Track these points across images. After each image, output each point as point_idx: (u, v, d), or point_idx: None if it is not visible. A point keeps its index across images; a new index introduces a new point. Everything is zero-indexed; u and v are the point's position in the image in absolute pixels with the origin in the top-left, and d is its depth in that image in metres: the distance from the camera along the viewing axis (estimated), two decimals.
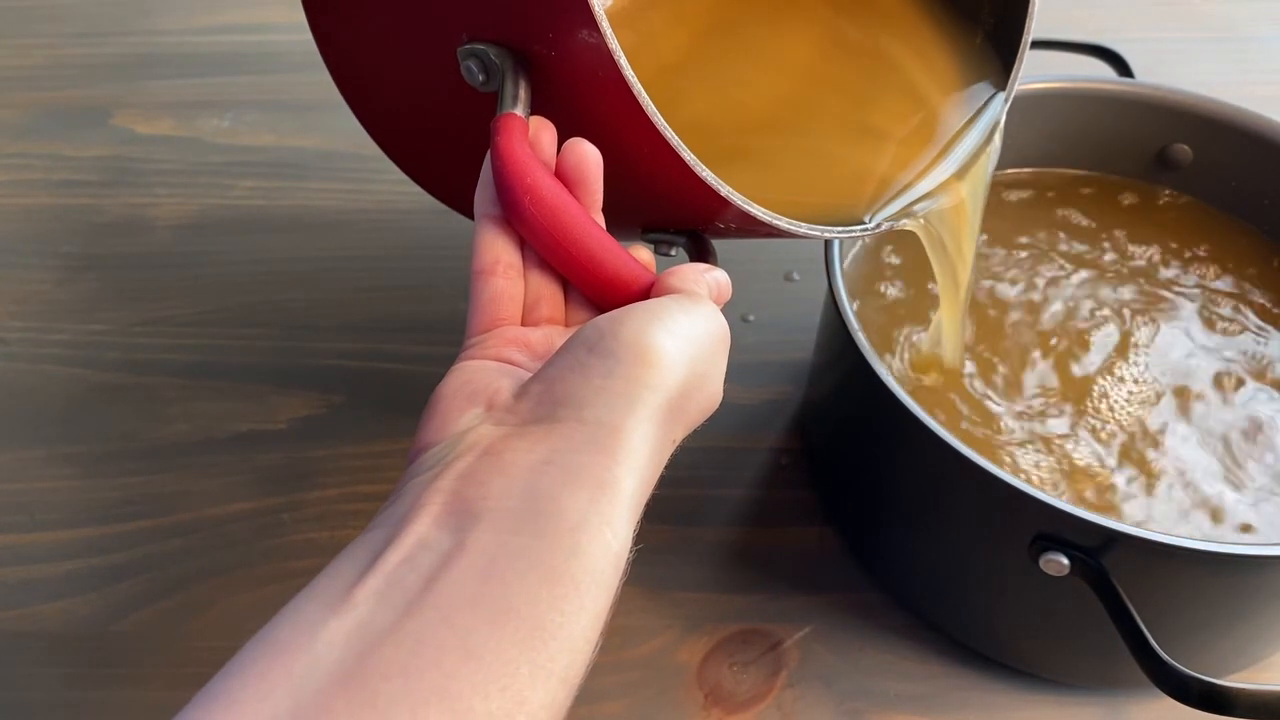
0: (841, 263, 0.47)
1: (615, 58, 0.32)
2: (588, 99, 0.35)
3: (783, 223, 0.37)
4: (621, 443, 0.28)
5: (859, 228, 0.41)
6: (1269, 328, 0.52)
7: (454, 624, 0.24)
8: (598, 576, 0.26)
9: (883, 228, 0.41)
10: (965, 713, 0.47)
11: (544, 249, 0.34)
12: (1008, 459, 0.46)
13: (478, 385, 0.31)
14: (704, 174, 0.34)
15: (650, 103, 0.33)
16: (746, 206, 0.36)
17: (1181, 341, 0.51)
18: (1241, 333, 0.52)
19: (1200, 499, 0.45)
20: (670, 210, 0.39)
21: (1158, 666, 0.38)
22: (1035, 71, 0.57)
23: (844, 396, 0.50)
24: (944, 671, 0.48)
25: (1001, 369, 0.50)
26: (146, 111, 0.75)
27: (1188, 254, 0.55)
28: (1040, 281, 0.54)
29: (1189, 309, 0.53)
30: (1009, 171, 0.59)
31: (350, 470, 0.55)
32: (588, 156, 0.34)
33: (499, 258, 0.34)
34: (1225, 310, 0.53)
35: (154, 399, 0.58)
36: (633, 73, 0.32)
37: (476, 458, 0.28)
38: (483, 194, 0.35)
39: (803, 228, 0.38)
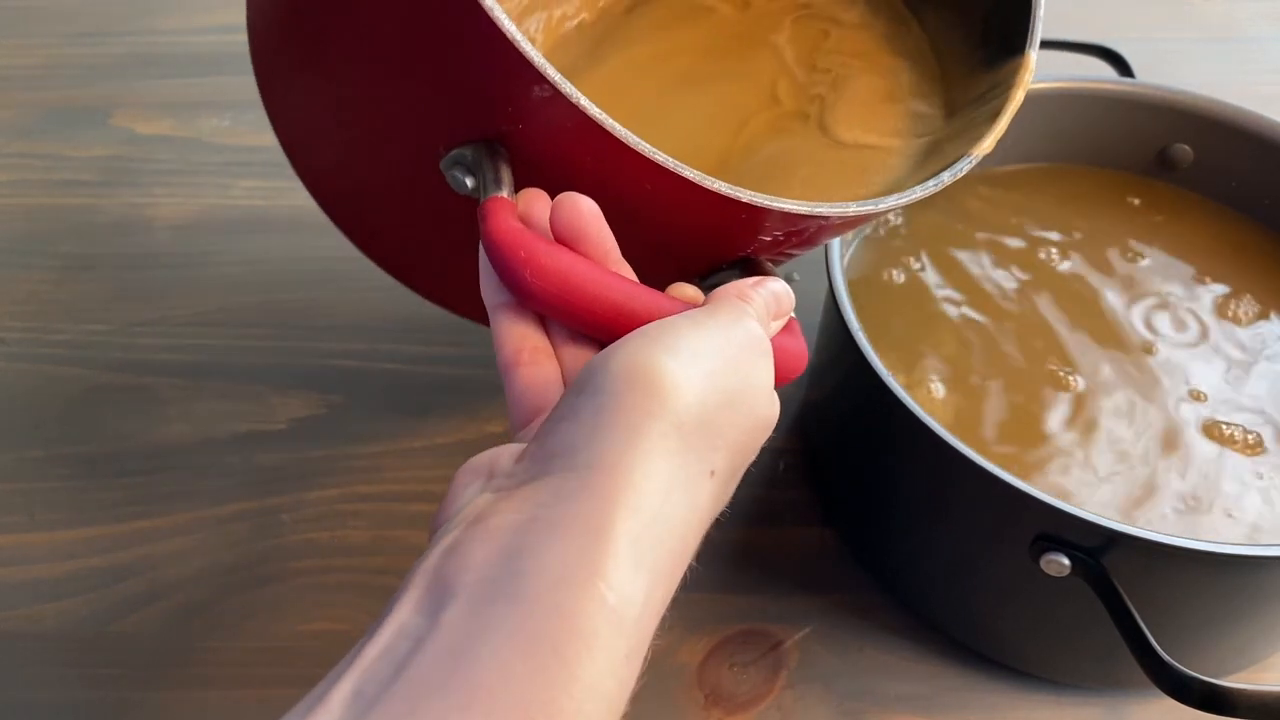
0: (842, 263, 0.47)
1: (575, 101, 0.30)
2: (570, 157, 0.33)
3: (825, 208, 0.35)
4: (617, 482, 0.25)
5: (918, 188, 0.38)
6: (1268, 326, 0.52)
7: (420, 715, 0.22)
8: (588, 637, 0.23)
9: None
10: (965, 713, 0.47)
11: (564, 317, 0.32)
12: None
13: (485, 459, 0.29)
14: (715, 185, 0.32)
15: (628, 133, 0.31)
16: (775, 204, 0.34)
17: (1184, 340, 0.51)
18: (1242, 332, 0.52)
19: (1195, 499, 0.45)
20: (700, 243, 0.37)
21: (1158, 667, 0.38)
22: (1036, 71, 0.57)
23: (844, 397, 0.50)
24: (944, 671, 0.48)
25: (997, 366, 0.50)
26: (146, 111, 0.75)
27: (1187, 253, 0.55)
28: (1039, 280, 0.54)
29: (1189, 308, 0.53)
30: (1009, 170, 0.59)
31: (350, 470, 0.55)
32: (579, 207, 0.31)
33: (521, 345, 0.32)
34: (1225, 310, 0.53)
35: (154, 399, 0.58)
36: (599, 110, 0.31)
37: (463, 529, 0.25)
38: (487, 284, 0.33)
39: (852, 207, 0.36)
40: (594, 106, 0.31)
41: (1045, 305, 0.52)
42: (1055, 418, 0.48)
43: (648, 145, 0.31)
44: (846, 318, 0.45)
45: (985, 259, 0.55)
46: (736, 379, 0.29)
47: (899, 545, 0.49)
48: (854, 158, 0.45)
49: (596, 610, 0.23)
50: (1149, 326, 0.52)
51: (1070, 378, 0.49)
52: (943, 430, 0.41)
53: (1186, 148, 0.57)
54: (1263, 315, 0.53)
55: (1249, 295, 0.53)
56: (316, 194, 0.45)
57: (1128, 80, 0.58)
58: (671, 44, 0.48)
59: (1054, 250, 0.55)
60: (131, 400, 0.58)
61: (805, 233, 0.37)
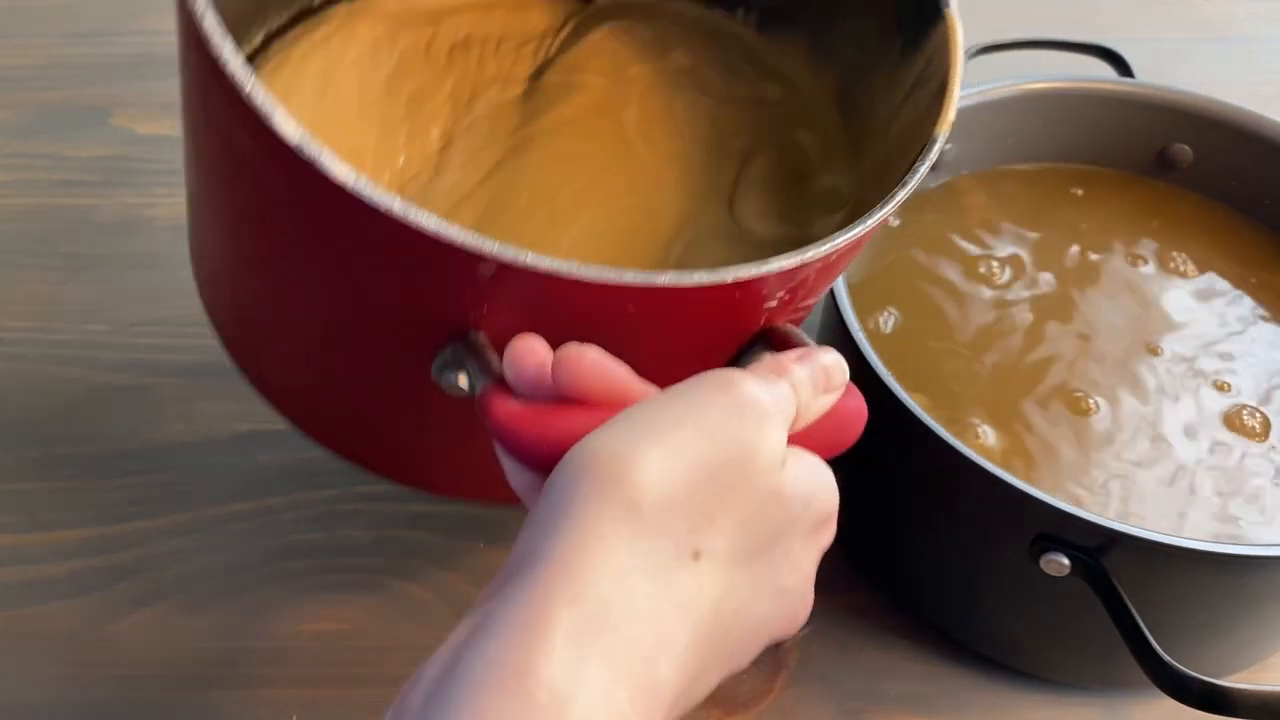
0: None
1: (532, 267, 0.29)
2: (544, 316, 0.31)
3: (811, 252, 0.33)
4: (557, 573, 0.23)
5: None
6: (1271, 326, 0.52)
7: None
8: None
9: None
10: (965, 713, 0.47)
11: None
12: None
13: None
14: (697, 279, 0.30)
15: (596, 270, 0.29)
16: (765, 269, 0.31)
17: (1186, 339, 0.51)
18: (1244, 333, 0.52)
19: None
20: (707, 337, 0.35)
21: (1158, 666, 0.38)
22: (1035, 71, 0.57)
23: None
24: (944, 671, 0.48)
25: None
26: (146, 111, 0.75)
27: (1188, 253, 0.55)
28: (1039, 279, 0.54)
29: (1188, 308, 0.53)
30: (1009, 170, 0.59)
31: (350, 470, 0.55)
32: (578, 366, 0.28)
33: None
34: (1226, 309, 0.53)
35: (154, 399, 0.58)
36: (556, 263, 0.29)
37: (422, 664, 0.24)
38: (514, 478, 0.30)
39: (840, 237, 0.34)
40: (549, 261, 0.29)
41: (1045, 304, 0.53)
42: (1054, 417, 0.48)
43: (615, 272, 0.30)
44: (846, 317, 0.45)
45: (984, 259, 0.55)
46: (720, 449, 0.26)
47: (899, 545, 0.49)
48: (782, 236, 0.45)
49: (523, 709, 0.22)
50: (1149, 326, 0.52)
51: (1068, 376, 0.49)
52: (943, 430, 0.41)
53: (1186, 148, 0.57)
54: (1264, 316, 0.53)
55: (1248, 295, 0.53)
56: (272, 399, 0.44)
57: (1128, 80, 0.58)
58: (570, 158, 0.47)
59: (1052, 249, 0.55)
60: (131, 400, 0.58)
61: (806, 284, 0.36)
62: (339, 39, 0.46)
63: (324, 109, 0.45)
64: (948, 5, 0.42)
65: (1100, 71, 0.60)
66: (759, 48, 0.51)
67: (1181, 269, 0.55)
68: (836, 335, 0.46)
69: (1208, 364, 0.50)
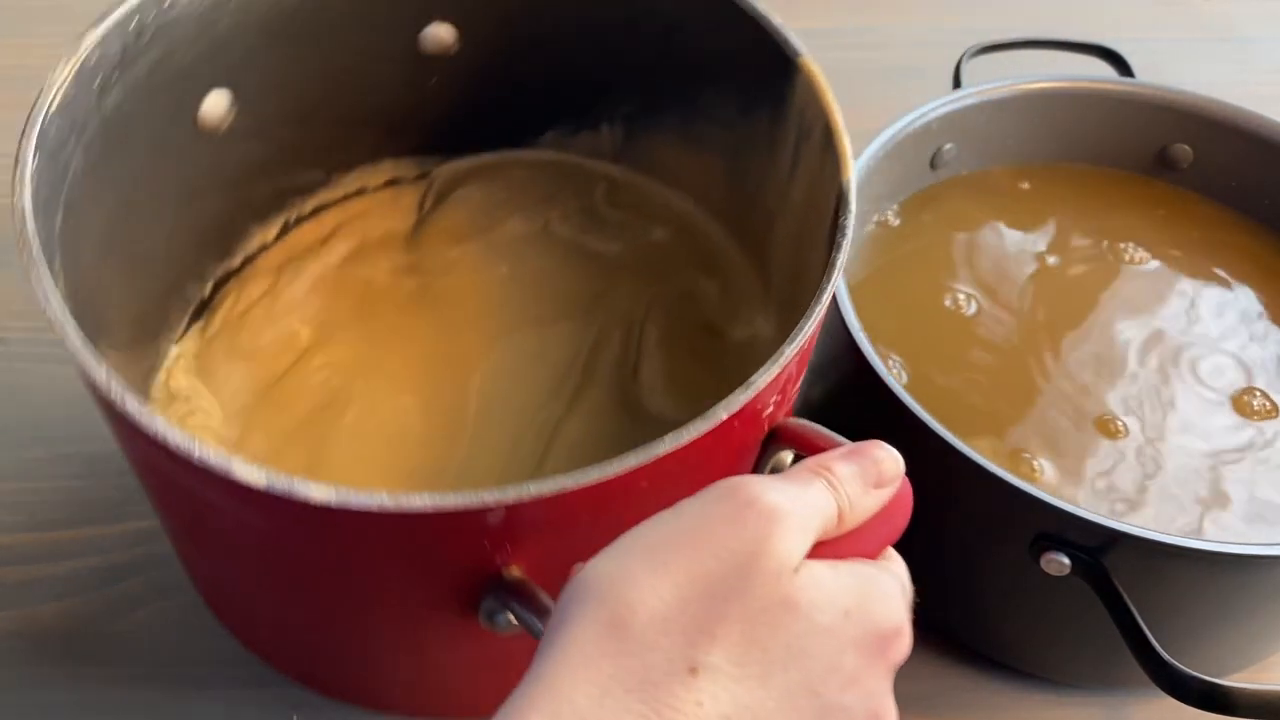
0: (842, 263, 0.47)
1: (535, 495, 0.29)
2: (566, 534, 0.32)
3: (726, 401, 0.32)
4: (538, 692, 0.24)
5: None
6: (1273, 326, 0.52)
7: None
8: None
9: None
10: (965, 713, 0.47)
11: None
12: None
13: None
14: (688, 435, 0.30)
15: (582, 475, 0.29)
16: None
17: (1183, 341, 0.51)
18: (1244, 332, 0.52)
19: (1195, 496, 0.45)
20: (716, 476, 0.32)
21: (1158, 666, 0.38)
22: (1035, 71, 0.57)
23: (844, 396, 0.50)
24: (944, 671, 0.48)
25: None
26: None
27: (1188, 253, 0.55)
28: (1038, 278, 0.54)
29: (1188, 308, 0.53)
30: (1009, 170, 0.59)
31: None
32: None
33: None
34: (1227, 309, 0.53)
35: None
36: (560, 483, 0.29)
37: None
38: None
39: (786, 351, 0.33)
40: (545, 484, 0.29)
41: (1044, 303, 0.53)
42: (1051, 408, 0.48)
43: (617, 463, 0.29)
44: (847, 318, 0.45)
45: (983, 259, 0.55)
46: (717, 561, 0.25)
47: (899, 545, 0.49)
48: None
49: None
50: (1151, 327, 0.52)
51: (1069, 376, 0.49)
52: (943, 429, 0.41)
53: (1186, 147, 0.57)
54: (1264, 316, 0.53)
55: (1249, 295, 0.54)
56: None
57: (1128, 80, 0.58)
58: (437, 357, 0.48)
59: (1053, 250, 0.55)
60: None
61: (792, 378, 0.36)
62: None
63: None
64: (798, 54, 0.42)
65: (1100, 71, 0.60)
66: (626, 183, 0.53)
67: (1181, 269, 0.55)
68: (836, 334, 0.46)
69: (1209, 363, 0.50)
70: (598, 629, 0.25)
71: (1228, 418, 0.48)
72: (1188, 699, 0.37)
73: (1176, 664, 0.37)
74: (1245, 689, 0.36)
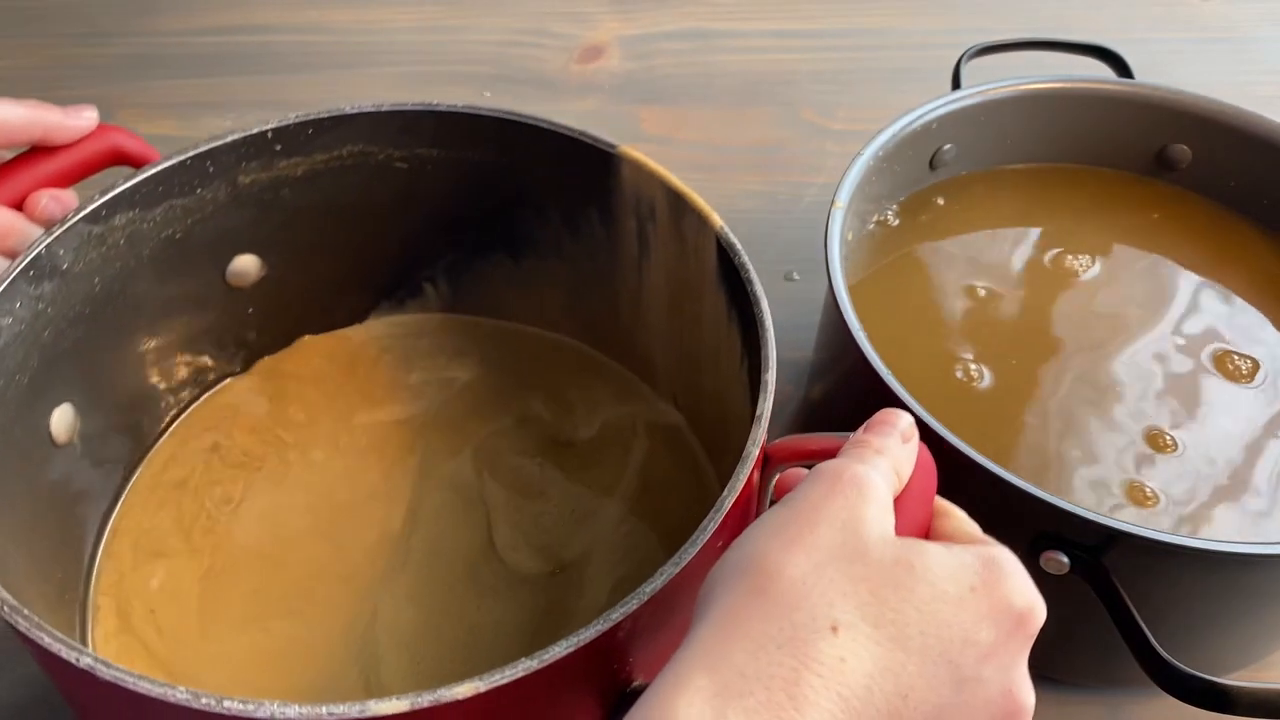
0: (842, 263, 0.47)
1: (510, 678, 0.29)
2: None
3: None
4: (696, 644, 0.28)
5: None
6: (1269, 325, 0.52)
7: None
8: None
9: None
10: None
11: None
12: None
13: None
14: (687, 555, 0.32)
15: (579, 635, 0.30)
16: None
17: (1181, 341, 0.51)
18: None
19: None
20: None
21: (1158, 665, 0.38)
22: (1034, 72, 0.57)
23: (844, 396, 0.50)
24: None
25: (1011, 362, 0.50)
26: (147, 111, 0.75)
27: (1187, 253, 0.55)
28: (1037, 277, 0.54)
29: (1188, 308, 0.53)
30: (1008, 170, 0.59)
31: None
32: None
33: None
34: (1227, 310, 0.53)
35: None
36: (553, 650, 0.30)
37: None
38: None
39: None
40: (540, 657, 0.30)
41: (1043, 303, 0.53)
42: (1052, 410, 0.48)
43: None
44: (847, 318, 0.45)
45: (982, 258, 0.55)
46: (832, 530, 0.29)
47: None
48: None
49: None
50: (1149, 326, 0.52)
51: (1068, 376, 0.49)
52: (942, 429, 0.41)
53: (1185, 148, 0.57)
54: (1264, 315, 0.53)
55: (1246, 295, 0.54)
56: None
57: (1127, 80, 0.58)
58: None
59: (1052, 249, 0.55)
60: None
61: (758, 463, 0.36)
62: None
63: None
64: (614, 146, 0.43)
65: (1100, 72, 0.60)
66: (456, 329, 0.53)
67: (1180, 269, 0.55)
68: (836, 334, 0.46)
69: (1209, 362, 0.50)
70: (747, 597, 0.28)
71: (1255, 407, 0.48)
72: (1187, 698, 0.37)
73: (1176, 663, 0.37)
74: (1245, 687, 0.36)
